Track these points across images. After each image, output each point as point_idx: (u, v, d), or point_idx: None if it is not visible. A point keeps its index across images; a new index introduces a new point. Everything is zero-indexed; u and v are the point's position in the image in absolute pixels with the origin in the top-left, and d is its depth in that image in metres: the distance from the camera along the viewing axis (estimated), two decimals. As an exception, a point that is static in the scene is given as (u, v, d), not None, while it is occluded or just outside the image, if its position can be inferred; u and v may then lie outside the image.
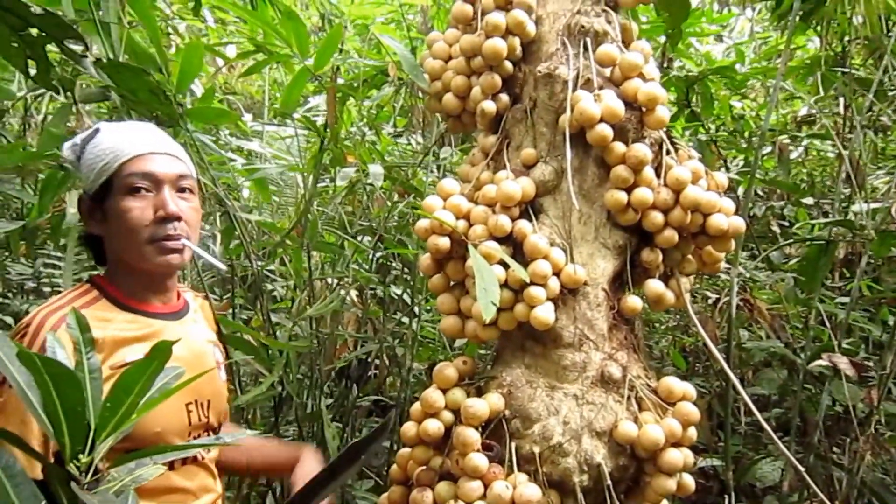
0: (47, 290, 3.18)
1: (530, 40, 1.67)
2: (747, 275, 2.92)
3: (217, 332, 1.67)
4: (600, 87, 1.58)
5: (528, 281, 1.51)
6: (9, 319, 2.81)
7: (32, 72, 0.88)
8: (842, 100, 3.24)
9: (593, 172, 1.62)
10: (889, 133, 3.51)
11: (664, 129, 1.63)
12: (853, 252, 3.11)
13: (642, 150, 1.55)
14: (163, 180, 1.40)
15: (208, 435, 1.50)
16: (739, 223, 1.61)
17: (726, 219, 1.58)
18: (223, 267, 1.55)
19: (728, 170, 3.32)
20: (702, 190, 1.58)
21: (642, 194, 1.56)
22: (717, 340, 2.63)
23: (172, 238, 1.39)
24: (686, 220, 1.58)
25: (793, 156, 3.59)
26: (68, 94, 1.39)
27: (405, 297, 2.99)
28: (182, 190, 1.44)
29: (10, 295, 3.19)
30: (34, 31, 0.82)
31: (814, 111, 3.40)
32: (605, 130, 1.53)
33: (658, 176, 1.59)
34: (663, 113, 1.57)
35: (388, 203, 3.00)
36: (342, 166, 2.76)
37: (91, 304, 1.39)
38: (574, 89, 1.57)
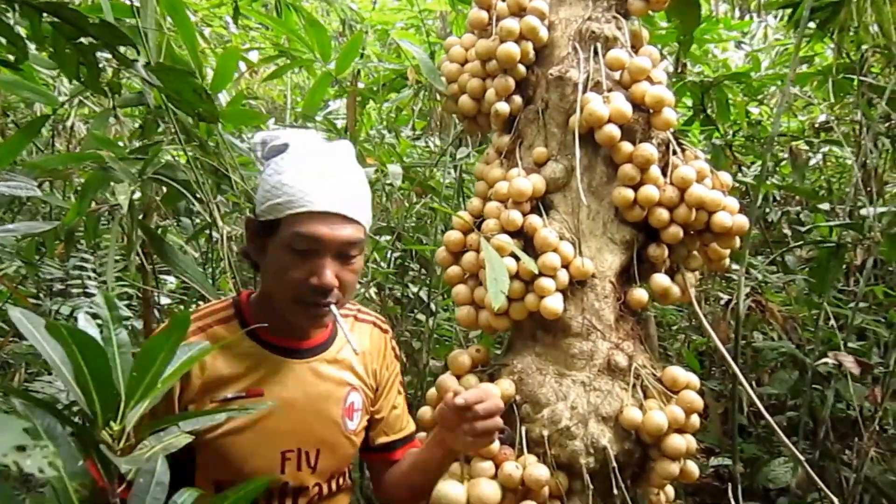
0: (76, 290, 3.28)
1: (543, 45, 1.75)
2: (760, 277, 2.95)
3: (376, 371, 1.50)
4: (609, 90, 1.65)
5: (537, 273, 1.59)
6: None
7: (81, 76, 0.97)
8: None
9: (602, 171, 1.69)
10: (904, 140, 3.52)
11: (671, 130, 1.70)
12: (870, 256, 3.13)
13: (649, 150, 1.62)
14: (328, 247, 1.27)
15: (317, 489, 1.40)
16: (743, 221, 1.67)
17: (730, 217, 1.65)
18: (357, 349, 1.37)
19: (744, 174, 3.35)
20: (706, 188, 1.64)
21: (649, 192, 1.63)
22: (729, 341, 2.67)
23: (320, 305, 1.29)
24: (691, 218, 1.64)
25: (812, 162, 3.62)
26: (115, 96, 1.48)
27: (422, 295, 3.07)
28: (346, 256, 1.30)
29: (40, 296, 3.30)
30: (85, 39, 0.91)
31: (832, 118, 3.43)
32: (614, 131, 1.61)
33: (664, 175, 1.66)
34: (670, 115, 1.64)
35: (407, 203, 3.09)
36: (362, 167, 2.84)
37: (219, 325, 1.35)
38: (584, 91, 1.65)
